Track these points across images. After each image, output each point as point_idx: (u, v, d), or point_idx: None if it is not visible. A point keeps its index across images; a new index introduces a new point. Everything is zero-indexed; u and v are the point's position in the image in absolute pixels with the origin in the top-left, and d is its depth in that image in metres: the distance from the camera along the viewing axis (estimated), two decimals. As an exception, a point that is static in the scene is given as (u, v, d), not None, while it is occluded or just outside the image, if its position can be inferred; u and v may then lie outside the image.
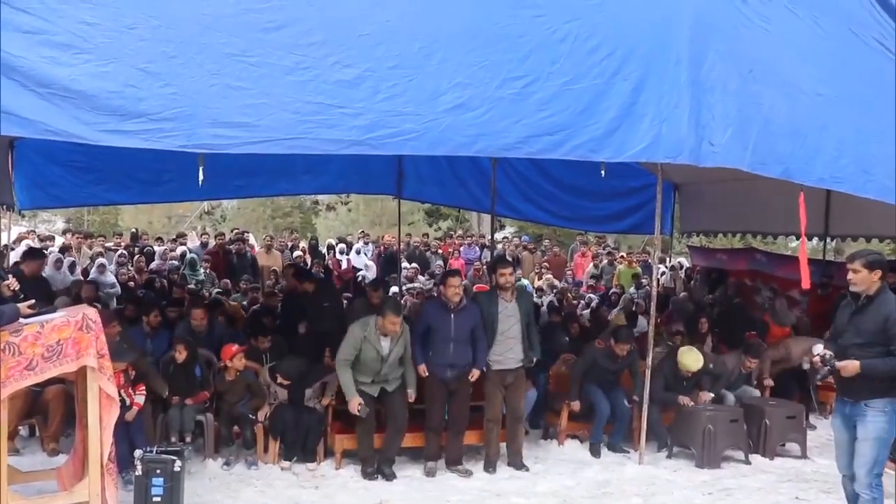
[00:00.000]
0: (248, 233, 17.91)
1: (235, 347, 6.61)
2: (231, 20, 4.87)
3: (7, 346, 4.36)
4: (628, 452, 6.99)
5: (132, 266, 12.87)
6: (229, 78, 4.83)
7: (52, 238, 15.40)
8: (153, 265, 13.34)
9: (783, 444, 7.21)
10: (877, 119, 6.65)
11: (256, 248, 15.49)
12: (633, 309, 10.57)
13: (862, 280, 4.66)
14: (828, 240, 11.06)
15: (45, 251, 10.97)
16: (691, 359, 7.12)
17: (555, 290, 13.39)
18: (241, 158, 7.74)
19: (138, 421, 5.95)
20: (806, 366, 7.83)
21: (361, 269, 14.77)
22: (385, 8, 5.22)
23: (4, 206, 9.41)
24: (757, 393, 7.79)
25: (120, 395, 5.36)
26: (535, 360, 6.63)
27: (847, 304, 4.89)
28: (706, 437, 6.70)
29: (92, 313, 4.76)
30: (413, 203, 17.73)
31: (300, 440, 6.40)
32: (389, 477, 6.22)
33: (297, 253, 15.56)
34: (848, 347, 4.68)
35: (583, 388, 7.15)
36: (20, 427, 6.55)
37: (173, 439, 6.30)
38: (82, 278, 10.74)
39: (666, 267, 13.58)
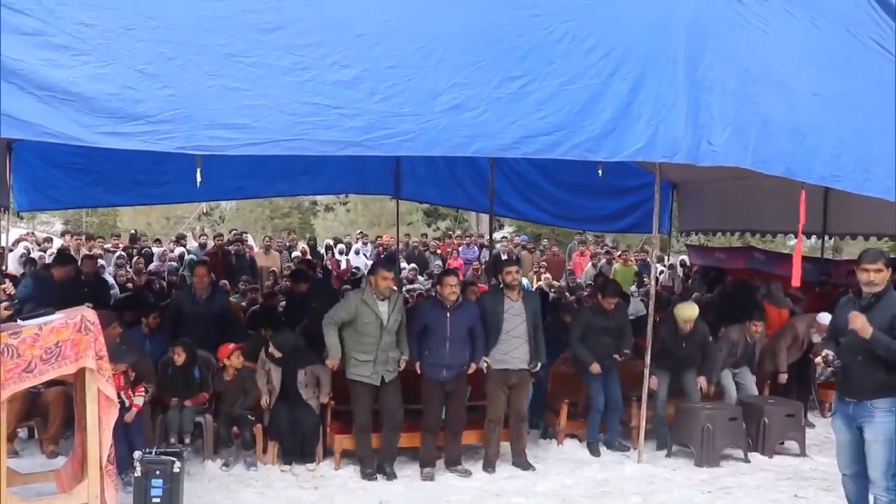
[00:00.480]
0: (246, 233, 17.92)
1: (232, 346, 6.62)
2: (229, 21, 4.87)
3: (5, 349, 4.35)
4: (627, 450, 6.99)
5: (131, 267, 12.86)
6: (227, 79, 4.83)
7: (49, 240, 15.40)
8: (152, 266, 13.34)
9: (782, 443, 7.22)
10: (875, 118, 6.66)
11: (255, 249, 15.49)
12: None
13: (883, 279, 4.59)
14: (826, 238, 11.07)
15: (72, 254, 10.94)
16: (687, 309, 7.23)
17: (553, 290, 13.38)
18: (239, 160, 7.76)
19: (137, 422, 5.95)
20: (816, 338, 7.80)
21: (360, 270, 14.77)
22: (383, 8, 5.22)
23: (3, 209, 9.41)
24: (754, 390, 7.77)
25: (119, 396, 5.37)
26: (539, 364, 6.60)
27: (848, 301, 4.84)
28: (705, 435, 6.70)
29: (91, 315, 4.76)
30: (411, 203, 17.76)
31: (298, 444, 6.40)
32: (390, 476, 6.23)
33: (296, 254, 15.56)
34: (851, 347, 4.64)
35: (582, 374, 7.12)
36: (19, 429, 6.55)
37: (172, 440, 6.29)
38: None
39: (664, 266, 13.60)
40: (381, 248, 16.35)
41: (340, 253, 16.33)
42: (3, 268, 10.17)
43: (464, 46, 5.34)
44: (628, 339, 7.16)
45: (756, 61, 6.11)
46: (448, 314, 6.29)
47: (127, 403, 5.80)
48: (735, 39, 6.00)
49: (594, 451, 7.00)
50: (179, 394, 6.46)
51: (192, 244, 15.57)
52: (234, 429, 6.48)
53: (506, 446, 6.65)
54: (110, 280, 11.38)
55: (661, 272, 12.59)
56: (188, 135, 4.76)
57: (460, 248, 17.14)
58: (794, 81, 6.36)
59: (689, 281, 12.87)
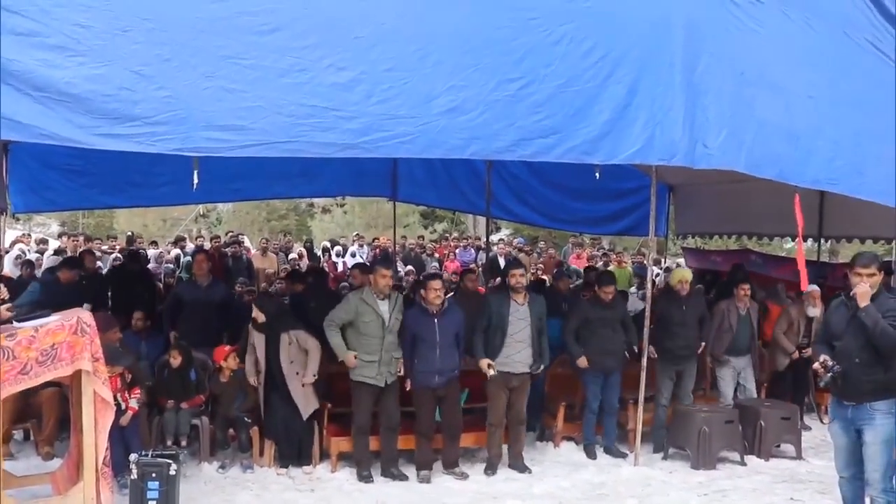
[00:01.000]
0: (242, 235, 17.89)
1: (228, 348, 6.60)
2: (225, 23, 4.87)
3: (1, 351, 4.34)
4: (625, 456, 6.98)
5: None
6: (224, 80, 4.83)
7: (45, 241, 15.36)
8: (148, 268, 13.28)
9: (778, 445, 7.22)
10: (871, 121, 6.68)
11: (252, 251, 15.46)
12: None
13: (875, 283, 4.63)
14: (822, 241, 11.09)
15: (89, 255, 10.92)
16: (681, 271, 7.53)
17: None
18: (235, 161, 7.74)
19: (133, 424, 5.94)
20: (811, 312, 7.92)
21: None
22: (380, 10, 5.23)
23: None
24: (754, 394, 7.77)
25: (115, 398, 5.36)
26: (542, 368, 6.58)
27: (840, 304, 4.86)
28: (701, 438, 6.71)
29: (87, 317, 4.75)
30: (408, 205, 17.75)
31: (294, 447, 6.37)
32: (398, 477, 6.22)
33: (293, 256, 15.54)
34: (849, 350, 4.65)
35: (580, 376, 7.09)
36: (14, 431, 6.53)
37: (169, 443, 6.29)
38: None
39: (660, 268, 13.60)
40: (377, 249, 16.33)
41: (337, 255, 16.31)
42: (-1, 270, 10.15)
43: (461, 49, 5.35)
44: (632, 332, 7.07)
45: (752, 63, 6.13)
46: (435, 320, 6.23)
47: (123, 406, 5.79)
48: (731, 41, 6.02)
49: (590, 454, 6.99)
50: (176, 396, 6.45)
51: (190, 247, 15.53)
52: (231, 431, 6.47)
53: (503, 448, 6.64)
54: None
55: (658, 275, 12.58)
56: (185, 136, 4.76)
57: (457, 251, 17.13)
58: (790, 84, 6.38)
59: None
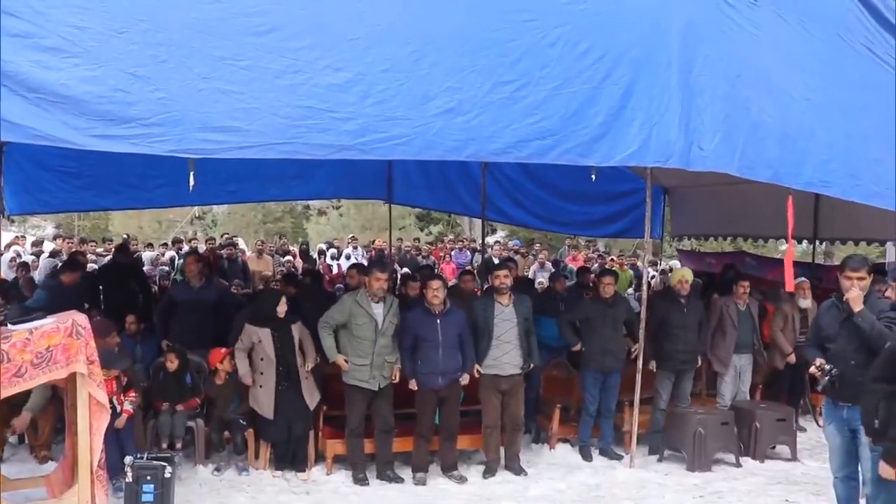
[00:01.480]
0: (236, 237, 17.89)
1: (224, 350, 6.57)
2: (221, 24, 4.86)
3: (-4, 353, 4.33)
4: (621, 458, 6.98)
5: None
6: (219, 82, 4.82)
7: (40, 243, 15.33)
8: (144, 270, 13.25)
9: (773, 447, 7.22)
10: (865, 124, 6.71)
11: (247, 253, 15.45)
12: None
13: (865, 286, 4.66)
14: (817, 243, 11.12)
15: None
16: (682, 271, 7.53)
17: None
18: (230, 163, 7.74)
19: (128, 427, 5.91)
20: (803, 304, 7.99)
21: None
22: (376, 12, 5.22)
23: (-6, 212, 9.36)
24: (744, 393, 7.78)
25: (111, 401, 5.34)
26: (532, 366, 6.58)
27: (831, 306, 4.89)
28: (697, 440, 6.71)
29: (82, 319, 4.74)
30: (404, 207, 17.74)
31: (290, 449, 6.35)
32: (394, 480, 6.21)
33: (288, 258, 15.54)
34: (843, 352, 4.66)
35: (579, 378, 7.09)
36: (8, 434, 6.50)
37: (164, 445, 6.26)
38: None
39: (656, 271, 13.62)
40: (373, 251, 16.33)
41: (332, 258, 16.31)
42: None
43: (457, 50, 5.35)
44: (636, 327, 6.93)
45: (748, 66, 6.15)
46: (438, 321, 6.22)
47: (118, 409, 5.76)
48: (726, 44, 6.04)
49: (586, 456, 6.98)
50: (171, 400, 6.42)
51: (186, 248, 15.50)
52: (226, 433, 6.45)
53: (501, 450, 6.62)
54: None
55: (653, 277, 12.60)
56: (180, 138, 4.74)
57: (452, 253, 17.14)
58: (786, 86, 6.40)
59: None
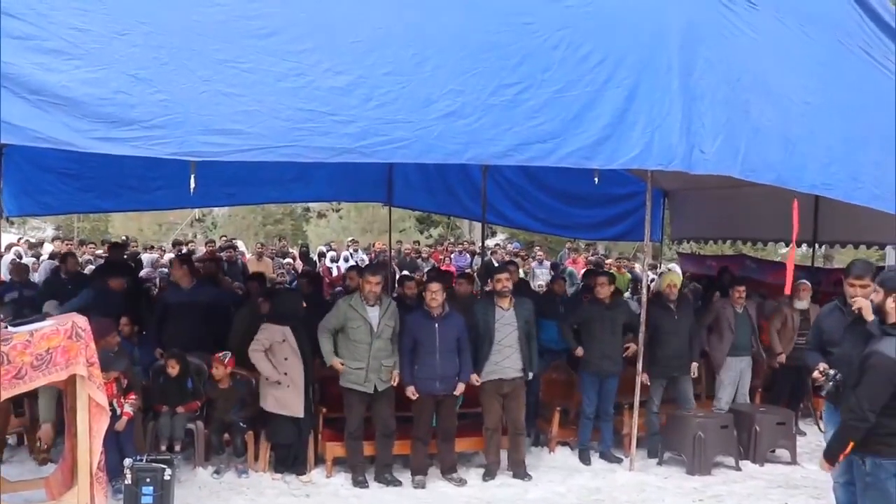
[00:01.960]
0: (236, 240, 17.91)
1: (228, 358, 6.56)
2: (223, 26, 4.86)
3: (-4, 355, 4.33)
4: (621, 461, 6.97)
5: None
6: (221, 84, 4.82)
7: (40, 244, 15.33)
8: (143, 273, 13.27)
9: (773, 451, 7.22)
10: (864, 127, 6.72)
11: (247, 256, 15.46)
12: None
13: (870, 293, 4.57)
14: (817, 246, 11.13)
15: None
16: (671, 275, 7.59)
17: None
18: (231, 166, 7.72)
19: (128, 429, 5.90)
20: (799, 304, 7.99)
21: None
22: (378, 15, 5.23)
23: (-6, 214, 9.35)
24: (744, 395, 7.78)
25: (111, 404, 5.33)
26: (531, 375, 6.55)
27: (833, 309, 4.88)
28: (696, 443, 6.70)
29: (82, 321, 4.73)
30: (404, 210, 17.74)
31: (290, 453, 6.34)
32: (393, 482, 6.20)
33: (288, 260, 15.55)
34: (848, 357, 4.63)
35: (578, 381, 7.08)
36: (7, 436, 6.49)
37: (163, 448, 6.25)
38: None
39: (655, 274, 13.62)
40: (373, 254, 16.34)
41: (332, 261, 16.31)
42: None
43: (459, 53, 5.35)
44: (638, 330, 6.87)
45: (748, 69, 6.16)
46: (436, 325, 6.21)
47: (119, 412, 5.75)
48: (727, 47, 6.05)
49: (585, 459, 6.97)
50: (172, 403, 6.41)
51: (184, 251, 15.50)
52: (226, 436, 6.44)
53: (502, 454, 6.60)
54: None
55: (653, 280, 12.62)
56: (181, 140, 4.75)
57: (452, 256, 17.14)
58: (786, 89, 6.41)
59: (683, 289, 12.89)
